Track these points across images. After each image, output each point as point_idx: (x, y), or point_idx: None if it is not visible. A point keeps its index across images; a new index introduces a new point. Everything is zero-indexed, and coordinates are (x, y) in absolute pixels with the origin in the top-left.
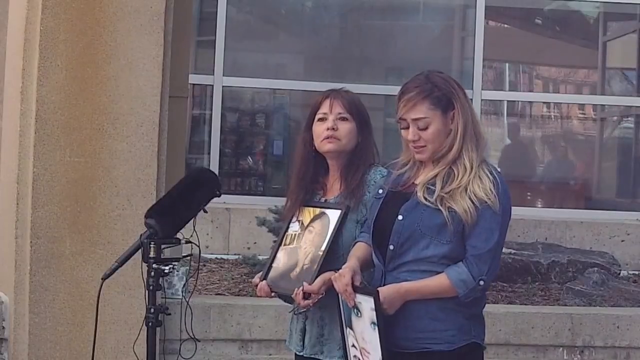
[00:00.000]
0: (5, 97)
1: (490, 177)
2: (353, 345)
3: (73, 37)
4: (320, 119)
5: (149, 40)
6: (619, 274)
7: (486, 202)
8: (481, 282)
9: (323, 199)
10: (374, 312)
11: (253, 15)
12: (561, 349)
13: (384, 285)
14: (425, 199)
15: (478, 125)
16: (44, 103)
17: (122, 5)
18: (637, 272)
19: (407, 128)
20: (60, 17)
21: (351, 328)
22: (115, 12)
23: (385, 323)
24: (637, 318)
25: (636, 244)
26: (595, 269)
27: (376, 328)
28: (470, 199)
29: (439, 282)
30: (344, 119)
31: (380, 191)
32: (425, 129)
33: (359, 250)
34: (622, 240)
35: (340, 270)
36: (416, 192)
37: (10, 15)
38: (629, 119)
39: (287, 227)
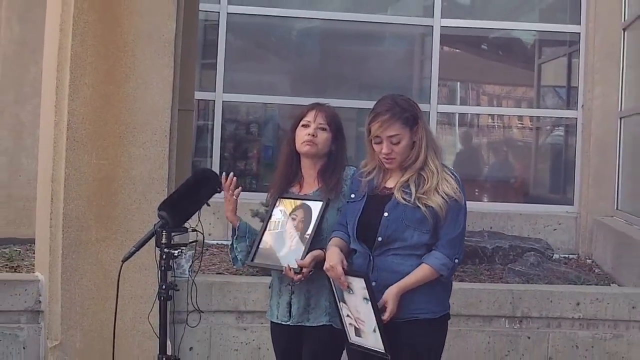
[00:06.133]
0: (42, 110)
1: (454, 177)
2: (348, 315)
3: (98, 60)
4: (304, 125)
5: (161, 63)
6: (552, 257)
7: (453, 197)
8: (456, 261)
9: (301, 193)
10: (365, 290)
11: (248, 42)
12: (504, 319)
13: (372, 268)
14: (404, 199)
15: (432, 136)
16: (74, 115)
17: (139, 34)
18: (566, 256)
19: (380, 143)
20: (87, 43)
21: (344, 302)
22: (133, 39)
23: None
24: (567, 293)
25: (566, 232)
26: (532, 252)
27: (369, 302)
28: (442, 196)
29: (423, 272)
30: (323, 128)
31: (353, 196)
32: (398, 143)
33: (338, 242)
34: (555, 229)
35: (331, 263)
36: (394, 194)
37: (46, 42)
38: (560, 128)
39: (270, 215)
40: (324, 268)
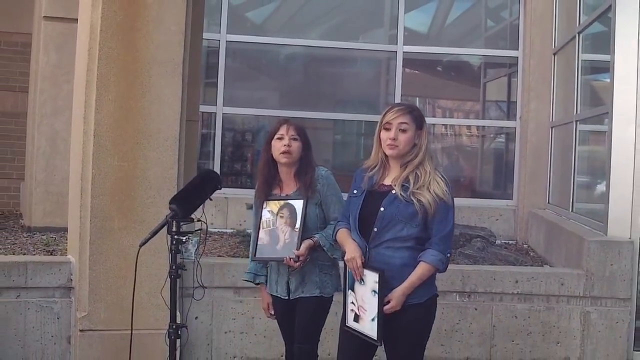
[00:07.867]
0: (73, 121)
1: (443, 180)
2: (352, 302)
3: (120, 79)
4: (279, 138)
5: (172, 81)
6: (495, 242)
7: (442, 198)
8: (448, 255)
9: (283, 194)
10: (377, 284)
11: (243, 64)
12: (455, 293)
13: (367, 259)
14: (401, 195)
15: (430, 147)
16: (100, 125)
17: (154, 58)
18: (507, 242)
19: (389, 130)
20: (110, 65)
21: (353, 290)
22: (148, 62)
23: (385, 289)
24: (507, 273)
25: (506, 222)
26: (479, 239)
27: (376, 295)
28: (432, 195)
29: (423, 270)
30: (295, 139)
31: (355, 191)
32: (404, 131)
33: (349, 233)
34: (497, 219)
35: (352, 255)
36: (392, 190)
37: (76, 64)
38: (501, 135)
39: (261, 216)
40: (345, 259)
